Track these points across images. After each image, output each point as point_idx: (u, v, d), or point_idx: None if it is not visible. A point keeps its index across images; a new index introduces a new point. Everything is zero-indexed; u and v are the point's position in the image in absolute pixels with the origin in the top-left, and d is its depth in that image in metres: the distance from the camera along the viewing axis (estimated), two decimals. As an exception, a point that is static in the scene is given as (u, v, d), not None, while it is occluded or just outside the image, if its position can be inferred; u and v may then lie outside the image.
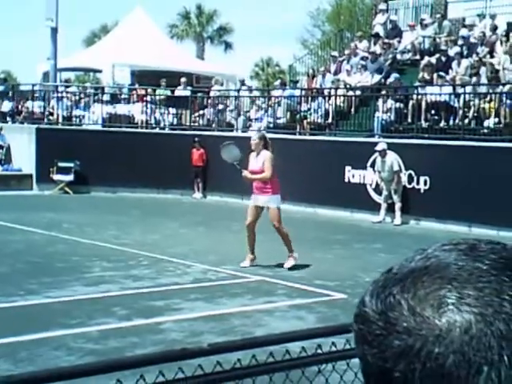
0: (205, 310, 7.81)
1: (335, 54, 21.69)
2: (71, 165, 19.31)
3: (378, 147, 15.38)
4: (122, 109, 21.61)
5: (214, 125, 20.99)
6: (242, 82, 23.43)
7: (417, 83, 17.59)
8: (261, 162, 9.60)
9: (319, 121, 18.78)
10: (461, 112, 15.93)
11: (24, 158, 20.14)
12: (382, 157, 15.28)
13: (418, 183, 15.21)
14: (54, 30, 22.21)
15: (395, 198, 15.16)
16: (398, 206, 15.13)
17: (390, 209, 15.36)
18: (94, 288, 8.62)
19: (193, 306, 7.98)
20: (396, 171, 15.12)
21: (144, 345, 6.45)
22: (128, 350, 6.21)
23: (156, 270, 9.84)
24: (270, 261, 10.51)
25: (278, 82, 22.10)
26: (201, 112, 21.76)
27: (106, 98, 22.23)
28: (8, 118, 22.69)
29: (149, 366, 2.27)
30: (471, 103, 15.92)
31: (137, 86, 23.76)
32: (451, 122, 16.23)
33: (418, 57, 19.69)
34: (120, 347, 6.37)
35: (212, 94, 22.28)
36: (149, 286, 8.83)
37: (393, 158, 15.20)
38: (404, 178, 15.43)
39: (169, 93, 22.28)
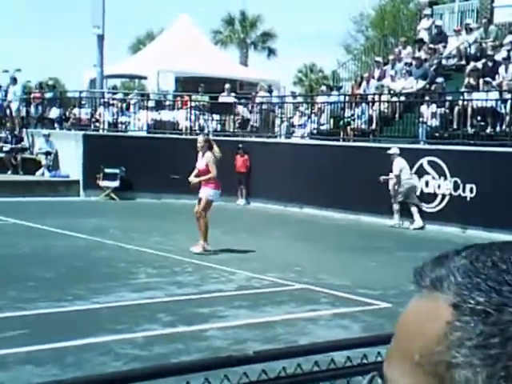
0: (249, 317, 7.81)
1: (379, 59, 21.56)
2: (117, 171, 19.56)
3: (390, 151, 15.86)
4: (166, 115, 21.83)
5: (265, 131, 21.01)
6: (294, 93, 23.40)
7: (463, 89, 17.38)
8: (204, 162, 11.10)
9: (363, 127, 18.68)
10: (508, 118, 15.67)
11: (71, 164, 20.48)
12: (392, 161, 15.75)
13: (463, 191, 15.01)
14: (101, 38, 22.56)
15: (392, 200, 15.70)
16: (395, 208, 15.76)
17: (417, 214, 15.57)
18: (140, 294, 8.70)
19: (237, 314, 8.00)
20: (396, 175, 15.60)
21: (188, 352, 6.49)
22: (173, 356, 6.25)
23: (200, 276, 9.90)
24: (314, 269, 10.49)
25: (323, 88, 22.05)
26: (244, 118, 21.82)
27: (150, 104, 22.48)
28: (56, 125, 23.12)
29: (194, 372, 2.28)
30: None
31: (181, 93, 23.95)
32: (498, 129, 15.98)
33: (463, 62, 19.45)
34: (165, 353, 6.41)
35: (257, 100, 22.33)
36: (193, 293, 8.87)
37: (397, 163, 15.68)
38: (449, 186, 15.26)
39: (207, 99, 22.42)
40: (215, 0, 72.67)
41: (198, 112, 21.91)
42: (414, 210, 15.60)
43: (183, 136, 21.15)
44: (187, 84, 25.34)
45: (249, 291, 9.10)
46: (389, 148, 16.23)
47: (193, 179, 11.27)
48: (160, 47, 27.24)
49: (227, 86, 22.71)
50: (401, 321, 0.66)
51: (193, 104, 22.09)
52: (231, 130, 21.59)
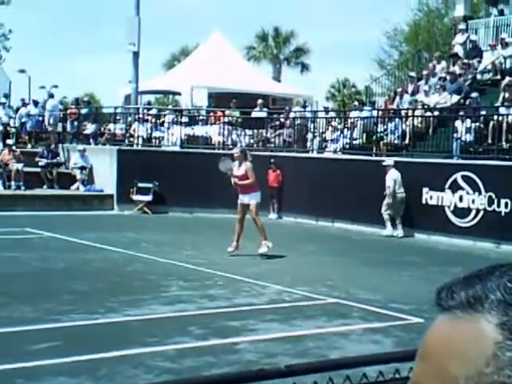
0: (280, 331, 7.80)
1: (413, 74, 21.48)
2: (150, 185, 19.75)
3: (384, 163, 16.63)
4: (199, 130, 22.00)
5: (294, 145, 21.05)
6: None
7: (498, 103, 17.22)
8: (243, 170, 12.40)
9: (396, 142, 18.60)
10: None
11: (106, 179, 20.74)
12: (385, 172, 16.42)
13: (498, 206, 14.84)
14: (136, 54, 22.88)
15: (383, 209, 16.43)
16: (384, 217, 16.47)
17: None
18: (171, 307, 8.74)
19: (268, 327, 7.99)
20: (388, 186, 16.30)
21: (219, 365, 6.50)
22: (204, 369, 6.26)
23: (231, 290, 9.92)
24: (345, 283, 10.45)
25: (356, 103, 22.04)
26: (277, 132, 21.90)
27: (184, 119, 22.69)
28: (91, 140, 23.44)
29: (225, 385, 2.29)
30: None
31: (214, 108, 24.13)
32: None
33: (498, 77, 19.29)
34: (196, 366, 6.43)
35: (291, 115, 22.40)
36: (225, 306, 8.89)
37: (390, 174, 16.35)
38: (484, 200, 15.11)
39: (237, 114, 22.55)
40: (249, 16, 73.28)
41: (230, 127, 22.04)
42: (388, 218, 16.42)
43: (216, 151, 21.29)
44: (220, 99, 25.54)
45: (280, 305, 9.09)
46: (425, 163, 16.19)
47: (236, 180, 12.55)
48: (193, 63, 27.52)
49: (260, 101, 22.84)
50: (431, 343, 0.65)
51: (225, 119, 22.24)
52: (264, 144, 21.66)
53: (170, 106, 30.41)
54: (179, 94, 27.73)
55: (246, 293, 9.78)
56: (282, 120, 22.32)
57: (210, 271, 11.15)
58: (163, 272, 11.04)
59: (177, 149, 21.42)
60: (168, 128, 22.32)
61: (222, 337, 7.51)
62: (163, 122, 23.17)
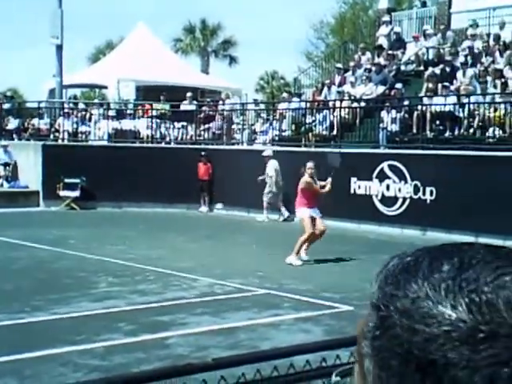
0: (211, 324, 7.78)
1: (339, 66, 21.73)
2: (77, 181, 19.36)
3: (264, 153, 17.68)
4: (127, 124, 21.70)
5: (224, 138, 21.02)
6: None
7: (421, 94, 17.60)
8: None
9: (324, 133, 18.79)
10: (465, 122, 15.92)
11: (30, 175, 20.21)
12: (265, 162, 17.46)
13: (424, 194, 15.18)
14: (59, 48, 22.33)
15: (264, 197, 17.55)
16: (265, 204, 17.63)
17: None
18: (100, 304, 8.60)
19: (199, 321, 7.95)
20: (270, 176, 17.43)
21: (150, 360, 6.42)
22: (133, 365, 6.19)
23: (162, 284, 9.83)
24: (277, 274, 10.49)
25: (285, 94, 22.14)
26: (206, 126, 21.81)
27: (111, 113, 22.32)
28: (14, 136, 22.79)
29: (153, 381, 2.26)
30: (476, 113, 15.91)
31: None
32: (456, 132, 16.20)
33: (422, 68, 19.70)
34: (126, 363, 6.35)
35: (219, 108, 22.35)
36: (155, 301, 8.81)
37: (271, 164, 17.46)
38: (410, 189, 15.43)
39: (167, 107, 22.37)
40: (175, 9, 72.66)
41: (159, 120, 21.82)
42: (268, 206, 17.70)
43: (144, 144, 21.05)
44: (148, 93, 25.21)
45: (211, 298, 9.07)
46: (353, 153, 16.41)
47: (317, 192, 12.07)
48: (119, 56, 27.08)
49: (189, 94, 22.67)
50: None
51: (154, 113, 22.00)
52: (193, 138, 21.56)
53: (96, 100, 29.85)
54: (106, 87, 27.25)
55: (176, 287, 9.71)
56: (211, 113, 22.23)
57: (140, 266, 11.02)
58: (92, 268, 10.84)
59: (104, 143, 21.08)
60: (95, 122, 21.91)
61: (152, 332, 7.44)
62: (90, 116, 22.72)
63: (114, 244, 13.26)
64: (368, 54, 21.40)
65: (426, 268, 0.63)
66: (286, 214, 17.49)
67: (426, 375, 0.59)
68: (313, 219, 11.61)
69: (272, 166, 17.57)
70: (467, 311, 0.59)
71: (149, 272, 10.63)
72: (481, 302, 0.59)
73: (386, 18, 22.34)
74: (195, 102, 23.09)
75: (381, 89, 18.92)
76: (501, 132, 15.33)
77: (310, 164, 11.93)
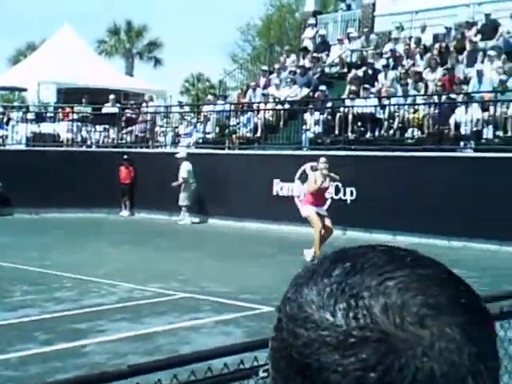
0: (130, 330, 7.60)
1: (265, 68, 21.77)
2: (-7, 186, 18.69)
3: (178, 155, 17.78)
4: (47, 127, 21.14)
5: (147, 141, 20.74)
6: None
7: (345, 96, 17.79)
8: (328, 182, 11.93)
9: (248, 135, 18.77)
10: (386, 123, 16.17)
11: None
12: (179, 164, 17.57)
13: (344, 194, 15.34)
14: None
15: (181, 200, 17.56)
16: (184, 208, 17.63)
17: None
18: (14, 313, 8.29)
19: (117, 327, 7.75)
20: (183, 177, 17.46)
21: (66, 369, 6.22)
22: (49, 375, 5.98)
23: (80, 291, 9.56)
24: (198, 277, 10.37)
25: (210, 97, 22.00)
26: (129, 129, 21.46)
27: (30, 116, 21.70)
28: None
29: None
30: (396, 114, 16.19)
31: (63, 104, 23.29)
32: (377, 133, 16.45)
33: (345, 70, 19.94)
34: (41, 373, 6.15)
35: (143, 110, 22.05)
36: (72, 309, 8.55)
37: (184, 166, 17.58)
38: (331, 189, 15.56)
39: (89, 110, 21.95)
40: (99, 10, 71.61)
41: (80, 123, 21.35)
42: (186, 209, 17.69)
43: (64, 148, 20.55)
44: (70, 95, 24.65)
45: (130, 303, 8.88)
46: (276, 155, 16.48)
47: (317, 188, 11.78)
48: (41, 58, 26.41)
49: (111, 96, 22.28)
50: None
51: (75, 116, 21.51)
52: (115, 141, 21.18)
53: (15, 103, 29.02)
54: (25, 90, 26.52)
55: (94, 293, 9.45)
56: (134, 116, 21.90)
57: (57, 273, 10.69)
58: (6, 277, 10.44)
59: (22, 147, 20.45)
60: (13, 126, 21.25)
61: (69, 340, 7.21)
62: (8, 119, 22.03)
63: (31, 251, 12.84)
64: (293, 57, 21.54)
65: (321, 272, 0.64)
66: (187, 217, 17.63)
67: (304, 378, 0.60)
68: (320, 217, 11.56)
69: (185, 168, 17.67)
70: (344, 316, 0.59)
71: (66, 279, 10.31)
72: (357, 306, 0.59)
73: (312, 20, 22.54)
74: (118, 105, 22.71)
75: (305, 91, 19.05)
76: (419, 133, 15.64)
77: (322, 159, 12.01)
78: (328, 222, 11.59)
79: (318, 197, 11.62)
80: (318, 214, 11.51)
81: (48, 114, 22.29)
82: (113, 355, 6.76)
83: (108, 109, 22.01)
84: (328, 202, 11.97)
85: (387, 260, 0.62)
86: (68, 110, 22.03)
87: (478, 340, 0.59)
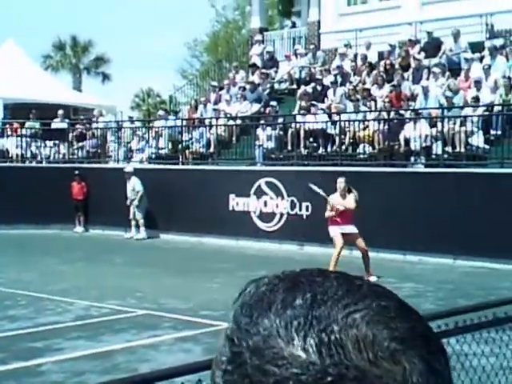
0: (87, 348, 7.53)
1: (214, 83, 21.86)
2: None
3: (126, 169, 17.96)
4: (-6, 143, 20.78)
5: (98, 156, 20.55)
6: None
7: (295, 112, 18.01)
8: (352, 201, 11.58)
9: (202, 150, 18.80)
10: (337, 139, 16.42)
11: None
12: (128, 179, 17.69)
13: (300, 209, 15.49)
14: None
15: (138, 215, 17.62)
16: (141, 222, 17.69)
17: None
18: (-33, 332, 8.11)
19: (74, 345, 7.68)
20: (137, 191, 17.62)
21: (22, 389, 6.13)
22: (4, 396, 5.87)
23: (35, 309, 9.42)
24: (155, 294, 10.32)
25: (162, 112, 21.95)
26: (80, 144, 21.25)
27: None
28: None
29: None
30: (347, 130, 16.45)
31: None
32: (329, 149, 16.68)
33: (294, 86, 20.18)
34: (-4, 394, 6.02)
35: (94, 125, 21.85)
36: (27, 327, 8.43)
37: (135, 181, 17.69)
38: (287, 205, 15.71)
39: (38, 125, 21.66)
40: (43, 25, 70.59)
41: (29, 139, 21.04)
42: (143, 222, 17.74)
43: (14, 164, 20.22)
44: (17, 111, 24.24)
45: (87, 321, 8.79)
46: (230, 170, 16.57)
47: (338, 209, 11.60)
48: (-14, 73, 25.93)
49: (60, 111, 22.03)
50: None
51: (24, 131, 21.19)
52: (66, 156, 20.95)
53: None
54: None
55: (50, 311, 9.33)
56: (84, 131, 21.70)
57: (10, 291, 10.51)
58: (-44, 295, 10.20)
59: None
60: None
61: (25, 359, 7.12)
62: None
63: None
64: (242, 73, 21.68)
65: (279, 302, 0.60)
66: (143, 231, 17.72)
67: None
68: (349, 237, 11.53)
69: (136, 182, 17.69)
70: (317, 352, 0.56)
71: (20, 297, 10.15)
72: (330, 342, 0.57)
73: (259, 37, 22.75)
74: (67, 120, 22.47)
75: (256, 107, 19.20)
76: (371, 149, 15.93)
77: (339, 179, 11.86)
78: (359, 241, 11.57)
79: (341, 217, 11.61)
80: (345, 234, 11.56)
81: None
82: (70, 374, 6.70)
83: (57, 124, 21.75)
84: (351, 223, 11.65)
85: (347, 289, 0.60)
86: (16, 125, 21.68)
87: (439, 370, 0.59)
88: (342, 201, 11.63)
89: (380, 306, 0.59)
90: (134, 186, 17.69)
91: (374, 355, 0.56)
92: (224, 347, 0.60)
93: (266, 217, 16.12)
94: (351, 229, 11.62)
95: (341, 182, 11.75)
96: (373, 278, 11.38)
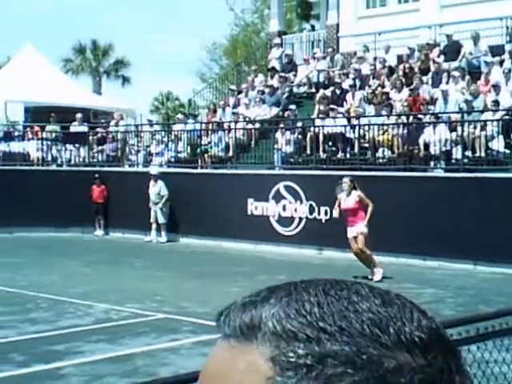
0: (107, 351, 7.58)
1: (233, 87, 21.90)
2: (-37, 206, 18.44)
3: (153, 171, 18.05)
4: (16, 146, 20.97)
5: (120, 160, 20.66)
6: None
7: (314, 115, 17.99)
8: (354, 200, 11.74)
9: (220, 154, 18.85)
10: (356, 143, 16.37)
11: None
12: (154, 181, 17.74)
13: (319, 214, 15.46)
14: None
15: (161, 218, 17.70)
16: (163, 225, 17.79)
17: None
18: (-11, 335, 8.20)
19: (95, 348, 7.72)
20: (162, 195, 17.61)
21: (43, 392, 6.18)
22: (26, 398, 5.93)
23: (56, 312, 9.49)
24: (175, 298, 10.36)
25: (181, 116, 22.02)
26: (100, 148, 21.39)
27: (-2, 135, 21.51)
28: None
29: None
30: (366, 134, 16.40)
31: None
32: (348, 153, 16.63)
33: (313, 90, 20.17)
34: (17, 396, 6.08)
35: (112, 129, 21.98)
36: (48, 330, 8.50)
37: (161, 184, 17.70)
38: (305, 209, 15.70)
39: (58, 129, 21.83)
40: (64, 29, 71.19)
41: (50, 142, 21.22)
42: (164, 226, 17.84)
43: (35, 167, 20.40)
44: (38, 114, 24.48)
45: (107, 324, 8.84)
46: (249, 174, 16.63)
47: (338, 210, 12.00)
48: (6, 77, 26.18)
49: (78, 115, 22.19)
50: (210, 371, 0.58)
51: (44, 134, 21.38)
52: (86, 160, 21.11)
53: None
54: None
55: (71, 314, 9.40)
56: (105, 134, 21.84)
57: (32, 294, 10.61)
58: (-21, 298, 10.32)
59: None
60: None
61: (46, 362, 7.18)
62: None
63: (3, 271, 12.70)
64: (261, 76, 21.71)
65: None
66: (164, 235, 17.79)
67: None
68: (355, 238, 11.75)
69: (163, 186, 17.74)
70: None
71: (41, 299, 10.24)
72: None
73: (277, 40, 22.76)
74: (86, 124, 22.63)
75: (274, 110, 19.21)
76: (390, 153, 15.88)
77: (344, 179, 12.03)
78: (358, 241, 11.71)
79: (348, 217, 11.89)
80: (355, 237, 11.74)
81: (16, 133, 22.11)
82: (91, 377, 6.74)
83: (76, 127, 21.92)
84: (359, 222, 11.73)
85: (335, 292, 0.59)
86: (37, 128, 21.88)
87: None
88: (344, 200, 11.89)
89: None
90: (160, 189, 17.80)
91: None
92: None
93: (285, 221, 16.11)
94: (357, 230, 11.75)
95: (345, 182, 11.93)
96: (378, 272, 11.73)
